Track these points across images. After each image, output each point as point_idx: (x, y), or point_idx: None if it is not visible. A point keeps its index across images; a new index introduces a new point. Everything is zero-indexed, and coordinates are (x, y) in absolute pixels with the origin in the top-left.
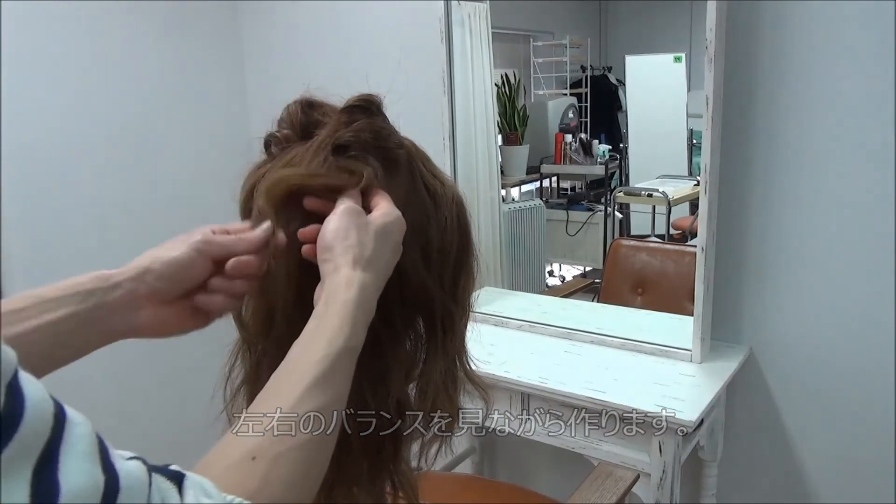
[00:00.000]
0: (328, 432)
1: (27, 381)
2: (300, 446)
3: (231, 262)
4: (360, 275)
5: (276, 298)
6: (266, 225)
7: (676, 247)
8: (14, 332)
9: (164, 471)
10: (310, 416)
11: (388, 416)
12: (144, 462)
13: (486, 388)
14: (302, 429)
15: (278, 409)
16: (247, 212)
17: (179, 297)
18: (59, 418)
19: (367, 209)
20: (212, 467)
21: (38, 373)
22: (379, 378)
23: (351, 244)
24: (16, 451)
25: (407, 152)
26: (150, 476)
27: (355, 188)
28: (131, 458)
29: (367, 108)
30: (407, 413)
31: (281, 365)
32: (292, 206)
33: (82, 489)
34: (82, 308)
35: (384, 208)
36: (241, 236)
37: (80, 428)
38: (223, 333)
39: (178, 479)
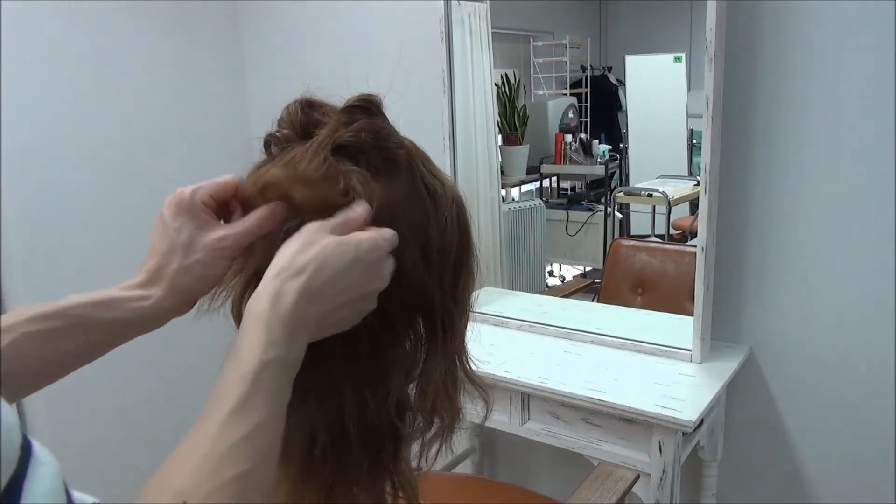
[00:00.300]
0: (259, 461)
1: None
2: (231, 482)
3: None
4: (276, 284)
5: None
6: (272, 206)
7: (676, 247)
8: (46, 350)
9: None
10: (236, 446)
11: (388, 416)
12: None
13: (486, 388)
14: (229, 463)
15: (202, 443)
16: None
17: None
18: (26, 452)
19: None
20: None
21: (47, 378)
22: (379, 378)
23: (284, 255)
24: None
25: (407, 152)
26: None
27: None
28: None
29: (366, 108)
30: (407, 413)
31: (212, 385)
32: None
33: None
34: (125, 332)
35: (367, 230)
36: (250, 225)
37: (46, 468)
38: (223, 333)
39: None
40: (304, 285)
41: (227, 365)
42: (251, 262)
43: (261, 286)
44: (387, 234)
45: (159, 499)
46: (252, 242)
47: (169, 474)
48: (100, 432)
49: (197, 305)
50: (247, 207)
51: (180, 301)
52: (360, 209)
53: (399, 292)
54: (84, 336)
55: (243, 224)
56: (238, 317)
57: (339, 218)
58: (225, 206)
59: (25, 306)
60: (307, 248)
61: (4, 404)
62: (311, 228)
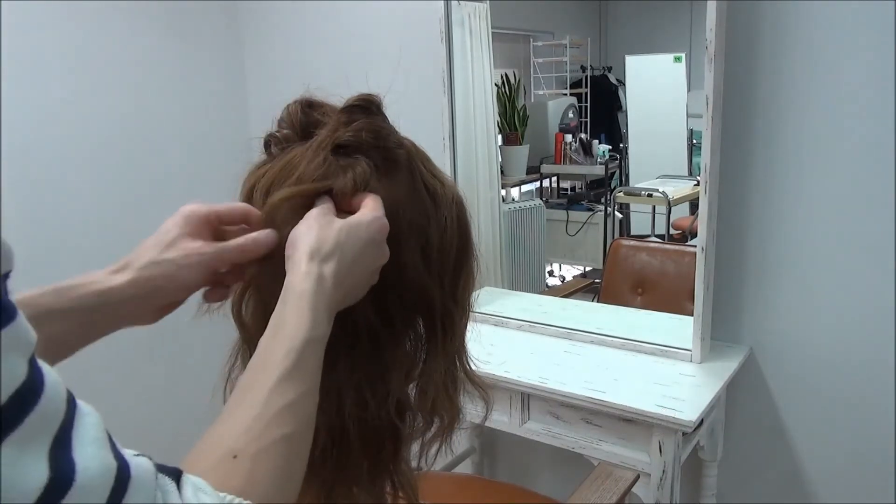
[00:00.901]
0: (303, 426)
1: (43, 364)
2: (278, 441)
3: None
4: (315, 266)
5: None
6: (269, 234)
7: (676, 247)
8: None
9: (164, 468)
10: (283, 411)
11: (389, 416)
12: (150, 458)
13: (486, 388)
14: (277, 425)
15: (252, 407)
16: None
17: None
18: (71, 404)
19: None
20: (195, 466)
21: None
22: (379, 378)
23: (309, 241)
24: (36, 424)
25: (407, 152)
26: (155, 472)
27: (343, 189)
28: (137, 455)
29: (366, 107)
30: (407, 413)
31: (252, 359)
32: (288, 211)
33: (97, 471)
34: (92, 318)
35: (363, 209)
36: (244, 247)
37: (89, 417)
38: (223, 333)
39: (175, 477)
40: (336, 269)
41: (270, 338)
42: (251, 265)
43: (297, 266)
44: (378, 209)
45: (211, 456)
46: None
47: (218, 435)
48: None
49: (209, 307)
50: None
51: (142, 295)
52: (325, 199)
53: (399, 292)
54: (49, 327)
55: (226, 244)
56: (238, 316)
57: (324, 202)
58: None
59: None
60: (325, 231)
61: (46, 365)
62: (314, 213)
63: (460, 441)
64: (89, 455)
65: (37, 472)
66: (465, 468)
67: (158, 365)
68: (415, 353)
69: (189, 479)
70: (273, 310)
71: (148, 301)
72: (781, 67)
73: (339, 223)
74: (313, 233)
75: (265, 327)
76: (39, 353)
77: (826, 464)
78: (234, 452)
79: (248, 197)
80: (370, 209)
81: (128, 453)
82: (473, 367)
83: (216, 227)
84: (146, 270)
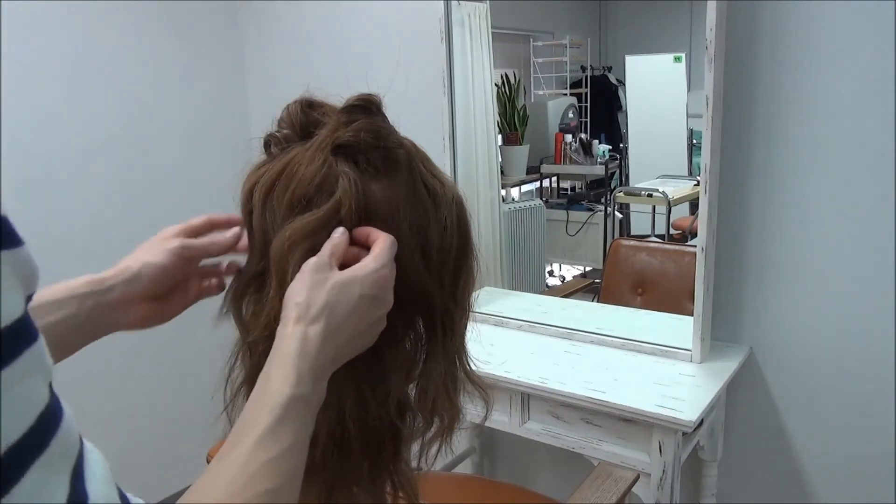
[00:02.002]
0: (286, 481)
1: (57, 393)
2: (261, 495)
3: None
4: (301, 328)
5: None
6: (235, 231)
7: (676, 247)
8: None
9: None
10: (266, 466)
11: (389, 416)
12: None
13: (486, 388)
14: (259, 480)
15: (236, 461)
16: (246, 211)
17: (163, 294)
18: (81, 440)
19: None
20: None
21: None
22: (379, 378)
23: (298, 301)
24: (59, 449)
25: (406, 152)
26: None
27: (338, 225)
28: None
29: (366, 107)
30: (407, 413)
31: (241, 414)
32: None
33: None
34: (81, 310)
35: (365, 259)
36: (213, 240)
37: (95, 455)
38: (223, 334)
39: None
40: (324, 329)
41: (256, 396)
42: (250, 264)
43: (285, 327)
44: (385, 266)
45: None
46: (252, 246)
47: (203, 488)
48: (100, 432)
49: (223, 310)
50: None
51: (137, 286)
52: (337, 236)
53: (399, 292)
54: (46, 317)
55: (202, 240)
56: (237, 315)
57: (326, 251)
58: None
59: None
60: (316, 291)
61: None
62: (309, 268)
63: (460, 441)
64: (98, 490)
65: (58, 498)
66: (465, 468)
67: (158, 366)
68: (415, 353)
69: None
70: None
71: (131, 286)
72: (781, 67)
73: (332, 281)
74: (304, 293)
75: (265, 329)
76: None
77: (826, 464)
78: None
79: (248, 197)
80: (373, 258)
81: (132, 499)
82: (473, 367)
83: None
84: (121, 263)
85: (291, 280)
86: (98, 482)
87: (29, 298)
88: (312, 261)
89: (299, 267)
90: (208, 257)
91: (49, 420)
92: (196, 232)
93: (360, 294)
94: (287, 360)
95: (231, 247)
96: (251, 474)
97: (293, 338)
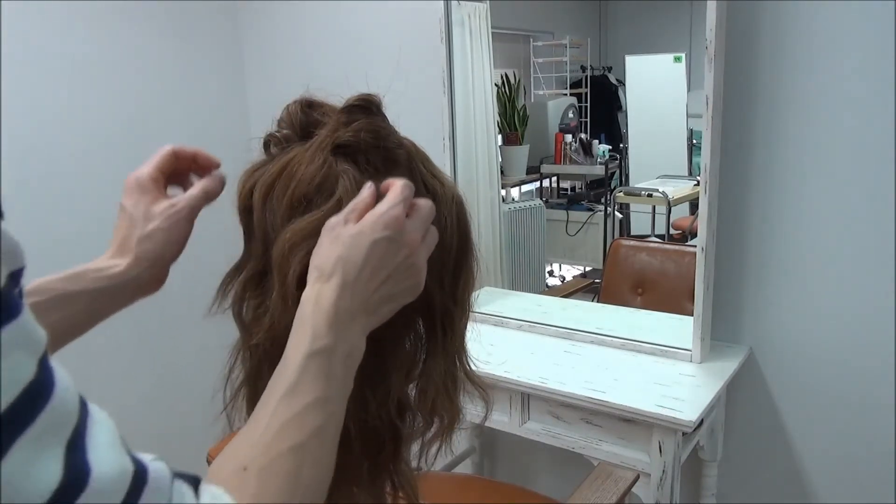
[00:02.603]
0: (310, 436)
1: (56, 365)
2: (284, 453)
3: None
4: (316, 288)
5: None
6: (219, 175)
7: (676, 247)
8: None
9: (183, 475)
10: (288, 424)
11: (389, 416)
12: (167, 465)
13: (486, 388)
14: (282, 438)
15: (261, 421)
16: (245, 211)
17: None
18: (83, 408)
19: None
20: (213, 477)
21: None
22: (379, 378)
23: (316, 264)
24: (48, 425)
25: (406, 152)
26: (171, 476)
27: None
28: (154, 460)
29: (366, 107)
30: (407, 413)
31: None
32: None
33: (113, 473)
34: (102, 299)
35: (378, 205)
36: (207, 189)
37: (102, 423)
38: (223, 334)
39: (194, 484)
40: (340, 282)
41: (281, 362)
42: (251, 264)
43: (305, 292)
44: (395, 206)
45: (225, 470)
46: (251, 246)
47: (232, 450)
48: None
49: (215, 306)
50: (204, 172)
51: (148, 268)
52: (365, 192)
53: None
54: (63, 310)
55: (191, 191)
56: (238, 316)
57: (347, 208)
58: (180, 176)
59: None
60: (331, 248)
61: (59, 366)
62: (329, 225)
63: (460, 441)
64: (103, 458)
65: (50, 473)
66: (465, 468)
67: (158, 366)
68: (415, 352)
69: (208, 488)
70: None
71: (152, 272)
72: (781, 67)
73: (344, 234)
74: (320, 254)
75: (266, 329)
76: (50, 342)
77: (826, 464)
78: (245, 465)
79: (248, 196)
80: (384, 202)
81: (145, 457)
82: (473, 367)
83: (164, 180)
84: (142, 246)
85: (293, 282)
86: (103, 449)
87: (13, 275)
88: (331, 220)
89: (300, 268)
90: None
91: (35, 395)
92: (166, 170)
93: (372, 240)
94: (303, 321)
95: (220, 191)
96: (274, 433)
97: (307, 300)
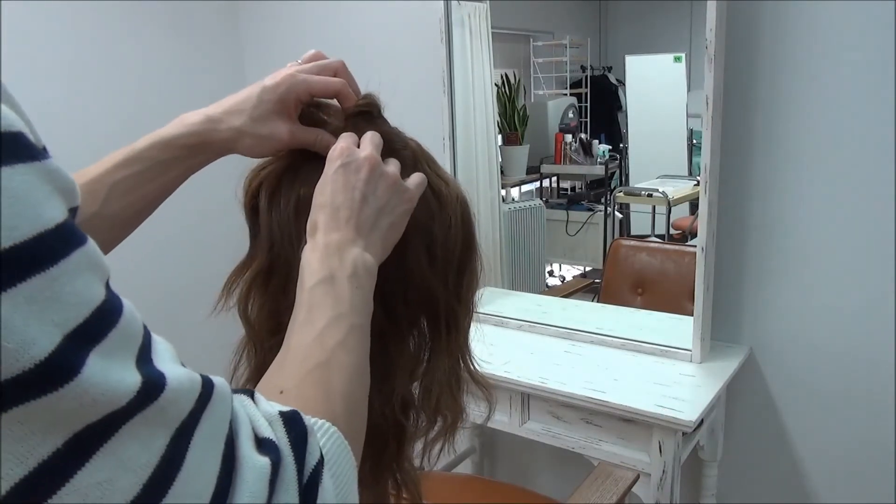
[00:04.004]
0: (331, 352)
1: (119, 294)
2: (312, 371)
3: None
4: (308, 244)
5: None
6: (340, 80)
7: (676, 247)
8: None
9: (238, 389)
10: (309, 345)
11: (393, 415)
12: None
13: (489, 387)
14: (306, 357)
15: (286, 349)
16: (250, 211)
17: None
18: (146, 330)
19: None
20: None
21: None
22: (383, 377)
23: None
24: (119, 339)
25: (412, 153)
26: (231, 389)
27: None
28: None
29: (367, 112)
30: (411, 412)
31: None
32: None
33: (184, 379)
34: (190, 164)
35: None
36: (303, 136)
37: (164, 345)
38: (227, 331)
39: (250, 395)
40: (322, 225)
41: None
42: (256, 262)
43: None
44: (339, 143)
45: (266, 395)
46: (256, 244)
47: (268, 375)
48: None
49: (220, 304)
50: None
51: (230, 138)
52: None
53: (403, 291)
54: (163, 176)
55: (305, 132)
56: (244, 315)
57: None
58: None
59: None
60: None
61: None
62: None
63: (460, 441)
64: (173, 369)
65: (128, 379)
66: (465, 468)
67: None
68: (419, 351)
69: (261, 397)
70: (279, 305)
71: (238, 119)
72: (781, 67)
73: (315, 190)
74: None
75: (271, 325)
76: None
77: (826, 464)
78: (280, 388)
79: (254, 195)
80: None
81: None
82: (477, 367)
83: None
84: (232, 132)
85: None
86: (170, 363)
87: (73, 211)
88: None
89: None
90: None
91: (105, 315)
92: (325, 94)
93: (331, 177)
94: (301, 268)
95: (343, 89)
96: (299, 356)
97: (306, 245)
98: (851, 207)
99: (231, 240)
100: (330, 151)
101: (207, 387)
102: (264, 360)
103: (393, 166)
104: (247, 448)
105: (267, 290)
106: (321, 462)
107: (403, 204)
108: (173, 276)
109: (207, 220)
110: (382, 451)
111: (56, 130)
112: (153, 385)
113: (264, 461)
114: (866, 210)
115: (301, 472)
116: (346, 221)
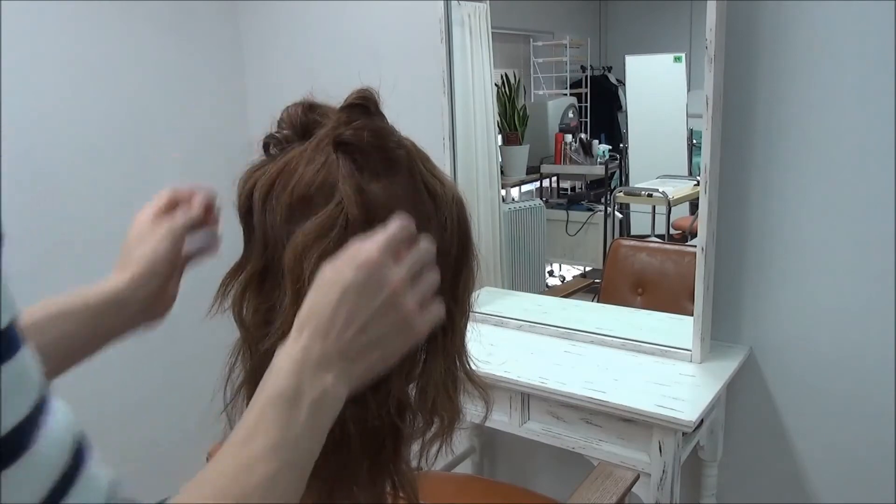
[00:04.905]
0: (254, 489)
1: (57, 407)
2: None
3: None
4: (291, 338)
5: (276, 300)
6: (201, 199)
7: (676, 247)
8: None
9: None
10: (238, 471)
11: (389, 416)
12: None
13: (486, 388)
14: (232, 485)
15: (218, 462)
16: (245, 212)
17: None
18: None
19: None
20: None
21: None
22: (379, 378)
23: (298, 315)
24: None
25: (407, 152)
26: None
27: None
28: None
29: (365, 106)
30: (407, 413)
31: None
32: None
33: None
34: (103, 315)
35: (353, 248)
36: (192, 216)
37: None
38: (223, 333)
39: None
40: (310, 332)
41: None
42: (251, 264)
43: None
44: (370, 248)
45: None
46: (250, 246)
47: (196, 485)
48: (99, 432)
49: (215, 307)
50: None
51: (144, 283)
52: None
53: None
54: (62, 326)
55: (178, 217)
56: (239, 317)
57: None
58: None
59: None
60: (312, 293)
61: (62, 405)
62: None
63: (460, 441)
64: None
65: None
66: (465, 468)
67: (158, 367)
68: (415, 352)
69: None
70: (274, 307)
71: (148, 288)
72: (781, 67)
73: (320, 280)
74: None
75: (266, 327)
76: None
77: (826, 464)
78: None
79: (248, 196)
80: (360, 246)
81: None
82: (474, 367)
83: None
84: (135, 261)
85: (307, 287)
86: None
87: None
88: (326, 268)
89: (313, 272)
90: (193, 231)
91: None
92: (166, 210)
93: (342, 286)
94: (270, 368)
95: (209, 216)
96: (228, 480)
97: (281, 350)
98: (851, 207)
99: (226, 242)
100: (363, 251)
101: None
102: (259, 363)
103: (416, 294)
104: None
105: (261, 292)
106: None
107: (404, 344)
108: None
109: None
110: (379, 451)
111: (56, 130)
112: None
113: None
114: (866, 210)
115: None
116: (336, 342)
